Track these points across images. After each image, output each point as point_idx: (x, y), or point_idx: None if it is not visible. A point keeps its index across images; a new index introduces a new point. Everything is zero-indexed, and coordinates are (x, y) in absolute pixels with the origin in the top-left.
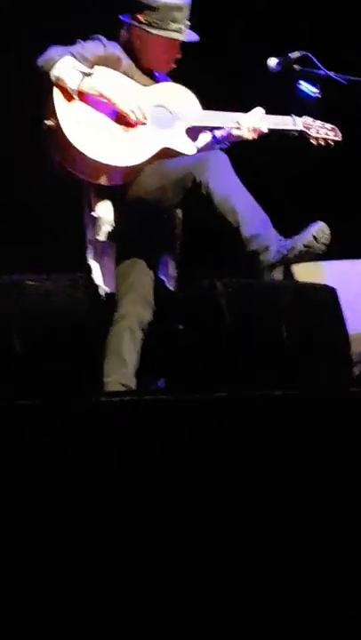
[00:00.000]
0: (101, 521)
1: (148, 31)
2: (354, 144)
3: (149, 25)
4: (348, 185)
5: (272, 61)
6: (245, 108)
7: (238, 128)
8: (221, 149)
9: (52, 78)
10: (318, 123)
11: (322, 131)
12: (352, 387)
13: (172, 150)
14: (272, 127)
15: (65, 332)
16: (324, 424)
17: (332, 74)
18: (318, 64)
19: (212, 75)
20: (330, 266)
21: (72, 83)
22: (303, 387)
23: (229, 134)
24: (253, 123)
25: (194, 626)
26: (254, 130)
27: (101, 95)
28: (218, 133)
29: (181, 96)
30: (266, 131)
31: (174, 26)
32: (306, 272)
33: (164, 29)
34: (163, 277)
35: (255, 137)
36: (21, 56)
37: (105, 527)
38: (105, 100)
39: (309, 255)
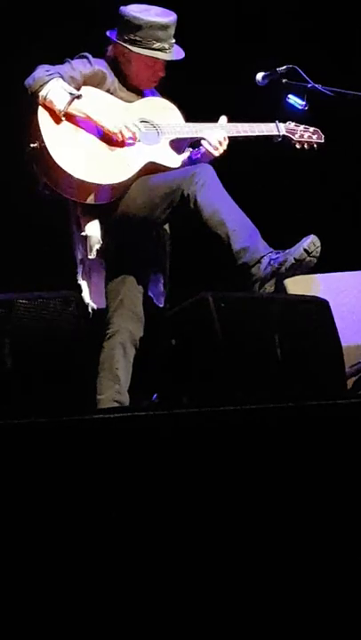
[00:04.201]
0: (98, 537)
1: (130, 49)
2: (346, 157)
3: (132, 43)
4: (339, 197)
5: (259, 75)
6: (236, 120)
7: (206, 146)
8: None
9: (41, 99)
10: (301, 127)
11: (305, 135)
12: (346, 399)
13: (158, 164)
14: (257, 134)
15: (57, 350)
16: (319, 436)
17: (319, 86)
18: (305, 77)
19: (202, 88)
20: (322, 278)
21: (60, 104)
22: (297, 399)
23: (204, 154)
24: (217, 137)
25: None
26: (220, 143)
27: (88, 117)
28: (193, 155)
29: (164, 109)
30: (229, 134)
31: (157, 45)
32: (298, 285)
33: (147, 48)
34: (151, 295)
35: (225, 149)
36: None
37: (102, 543)
38: (92, 122)
39: (301, 268)
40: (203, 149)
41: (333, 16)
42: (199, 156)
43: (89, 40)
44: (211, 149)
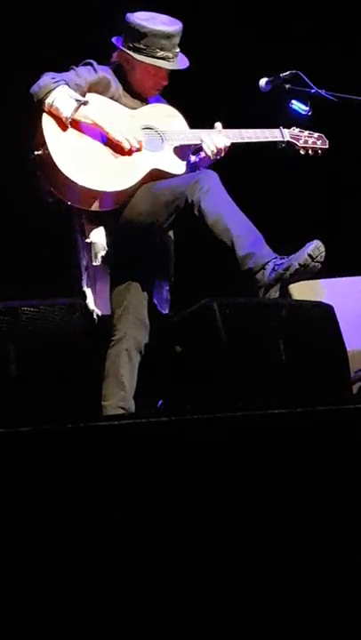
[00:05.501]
0: (103, 544)
1: (133, 56)
2: (350, 162)
3: (136, 50)
4: (343, 202)
5: (262, 81)
6: (239, 126)
7: (205, 151)
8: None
9: (46, 106)
10: (306, 133)
11: (310, 140)
12: (351, 404)
13: (162, 171)
14: (261, 140)
15: (62, 357)
16: (325, 442)
17: (322, 92)
18: (309, 82)
19: (205, 94)
20: (327, 283)
21: (66, 111)
22: (302, 405)
23: (202, 158)
24: (217, 143)
25: None
26: (218, 150)
27: (95, 124)
28: (192, 159)
29: (168, 116)
30: (228, 144)
31: (161, 53)
32: (303, 290)
33: (150, 56)
34: (156, 302)
35: (222, 155)
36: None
37: (108, 550)
38: (98, 129)
39: (306, 274)
40: (201, 154)
41: (335, 18)
42: (197, 160)
43: (89, 41)
44: (208, 154)
